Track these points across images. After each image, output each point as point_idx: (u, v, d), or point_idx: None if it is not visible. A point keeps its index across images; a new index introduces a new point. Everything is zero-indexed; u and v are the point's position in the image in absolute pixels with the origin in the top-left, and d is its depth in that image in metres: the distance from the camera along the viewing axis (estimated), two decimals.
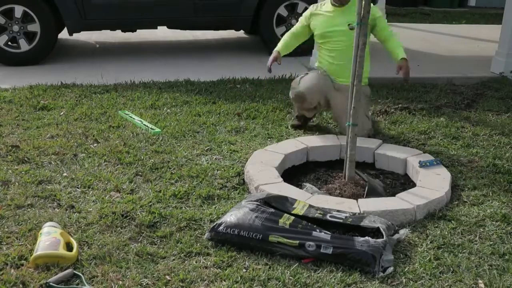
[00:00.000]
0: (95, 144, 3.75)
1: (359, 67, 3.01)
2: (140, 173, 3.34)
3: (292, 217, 2.65)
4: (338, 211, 2.78)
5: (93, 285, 2.29)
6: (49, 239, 2.47)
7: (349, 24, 3.69)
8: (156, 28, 6.82)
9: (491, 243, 2.70)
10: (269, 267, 2.44)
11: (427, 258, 2.55)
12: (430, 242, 2.68)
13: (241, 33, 8.20)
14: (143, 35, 7.86)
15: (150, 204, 2.96)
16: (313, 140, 3.76)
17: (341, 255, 2.45)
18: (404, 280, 2.39)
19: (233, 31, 7.67)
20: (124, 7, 6.16)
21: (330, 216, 2.71)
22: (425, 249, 2.62)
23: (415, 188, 3.14)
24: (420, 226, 2.83)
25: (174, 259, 2.49)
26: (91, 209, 2.89)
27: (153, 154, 3.60)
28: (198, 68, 5.99)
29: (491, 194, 3.19)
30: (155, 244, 2.61)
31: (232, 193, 3.13)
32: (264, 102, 4.78)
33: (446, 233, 2.77)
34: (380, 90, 5.20)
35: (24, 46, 5.92)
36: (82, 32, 6.57)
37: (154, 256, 2.51)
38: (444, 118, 4.50)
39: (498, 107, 4.86)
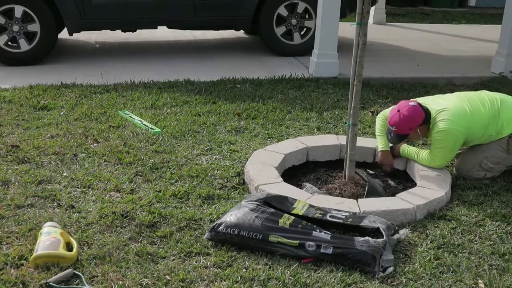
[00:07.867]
0: (95, 144, 3.74)
1: (359, 67, 3.01)
2: (140, 173, 3.33)
3: (292, 217, 2.65)
4: (338, 211, 2.78)
5: (93, 285, 2.29)
6: (49, 239, 2.47)
7: None
8: (156, 28, 6.82)
9: (491, 243, 2.70)
10: (269, 267, 2.44)
11: (427, 258, 2.55)
12: (430, 242, 2.68)
13: (241, 33, 8.20)
14: (143, 35, 7.86)
15: (150, 204, 2.96)
16: (313, 140, 3.76)
17: (341, 255, 2.45)
18: (404, 280, 2.39)
19: (233, 31, 7.67)
20: (124, 7, 6.16)
21: (330, 216, 2.71)
22: (425, 249, 2.62)
23: (415, 188, 3.14)
24: (420, 226, 2.83)
25: (174, 259, 2.49)
26: (91, 209, 2.89)
27: (153, 154, 3.60)
28: (198, 68, 5.98)
29: (491, 194, 3.19)
30: (155, 244, 2.61)
31: (232, 193, 3.13)
32: (264, 102, 4.78)
33: (446, 233, 2.77)
34: (380, 90, 5.20)
35: (24, 46, 5.91)
36: (82, 32, 6.57)
37: (154, 256, 2.51)
38: None
39: None
